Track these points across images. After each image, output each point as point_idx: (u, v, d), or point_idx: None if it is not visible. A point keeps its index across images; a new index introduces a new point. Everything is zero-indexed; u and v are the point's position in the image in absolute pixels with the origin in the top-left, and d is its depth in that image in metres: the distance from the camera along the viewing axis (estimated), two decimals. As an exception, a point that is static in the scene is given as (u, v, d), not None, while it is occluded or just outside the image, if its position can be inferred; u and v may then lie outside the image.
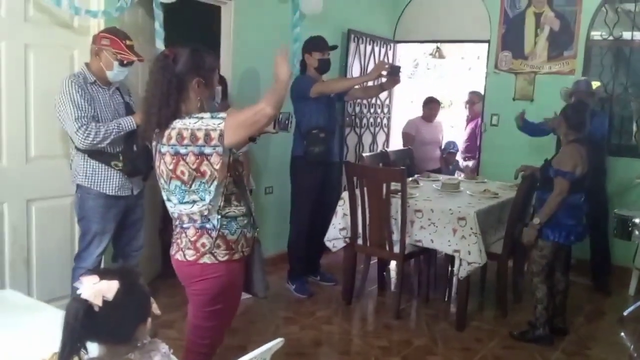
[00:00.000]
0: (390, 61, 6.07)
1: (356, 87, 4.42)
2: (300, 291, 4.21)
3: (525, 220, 4.12)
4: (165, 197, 2.13)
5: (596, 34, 5.19)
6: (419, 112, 6.09)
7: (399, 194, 3.75)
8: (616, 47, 5.21)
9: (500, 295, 4.06)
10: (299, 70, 4.19)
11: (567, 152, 3.47)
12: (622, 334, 3.94)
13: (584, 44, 5.19)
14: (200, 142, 1.97)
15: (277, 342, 1.71)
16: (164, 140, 2.02)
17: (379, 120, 6.11)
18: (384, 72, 4.00)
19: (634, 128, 5.43)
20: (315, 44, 4.14)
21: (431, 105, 5.95)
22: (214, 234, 2.06)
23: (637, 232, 3.82)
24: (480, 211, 3.71)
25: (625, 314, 4.08)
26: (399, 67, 4.17)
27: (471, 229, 3.60)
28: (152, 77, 2.09)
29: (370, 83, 4.52)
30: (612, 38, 5.13)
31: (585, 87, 4.60)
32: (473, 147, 6.11)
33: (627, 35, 5.08)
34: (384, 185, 3.77)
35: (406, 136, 5.83)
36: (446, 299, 4.34)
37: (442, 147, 6.18)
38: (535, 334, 3.56)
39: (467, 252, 3.60)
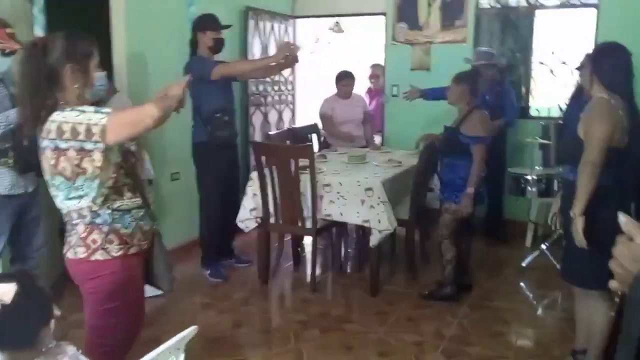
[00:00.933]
0: (291, 38, 6.06)
1: None
2: (216, 276, 4.17)
3: (430, 185, 4.31)
4: (52, 194, 2.02)
5: (484, 2, 5.43)
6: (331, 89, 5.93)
7: (308, 170, 3.79)
8: (503, 14, 5.48)
9: (410, 259, 4.23)
10: (191, 50, 4.06)
11: (476, 119, 3.62)
12: (522, 284, 4.24)
13: (474, 13, 5.41)
14: (81, 137, 1.85)
15: (190, 331, 1.68)
16: (43, 134, 1.90)
17: (283, 97, 6.10)
18: (287, 53, 3.97)
19: (523, 90, 5.78)
20: (208, 23, 4.02)
21: (345, 81, 5.29)
22: (105, 229, 1.97)
23: (530, 188, 4.09)
24: (387, 180, 3.82)
25: (523, 264, 4.39)
26: (298, 47, 4.16)
27: (379, 197, 3.71)
28: (20, 68, 1.96)
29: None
30: (499, 6, 5.39)
31: (482, 57, 4.83)
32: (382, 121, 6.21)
33: (513, 2, 5.35)
34: (293, 162, 3.80)
35: (323, 117, 5.26)
36: (359, 268, 4.46)
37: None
38: (443, 292, 3.77)
39: (377, 221, 3.71)
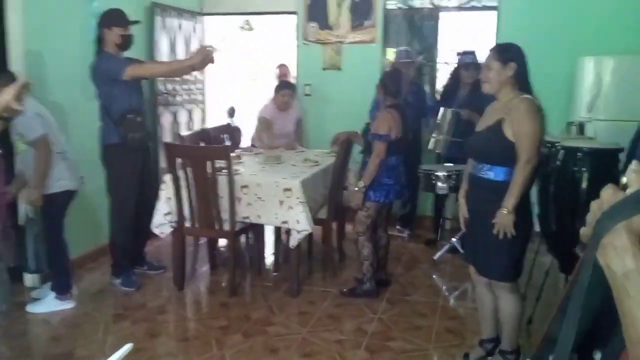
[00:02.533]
0: (199, 36, 5.89)
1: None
2: (127, 284, 3.97)
3: (345, 184, 4.35)
4: None
5: (391, 3, 5.57)
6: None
7: (224, 171, 3.70)
8: (409, 15, 5.65)
9: (328, 257, 4.26)
10: (96, 47, 3.84)
11: (382, 117, 3.69)
12: (435, 277, 4.39)
13: (382, 13, 5.53)
14: None
15: (126, 349, 1.58)
16: None
17: (193, 96, 5.92)
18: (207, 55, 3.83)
19: (427, 89, 5.99)
20: (115, 18, 3.81)
21: (283, 91, 4.89)
22: None
23: (439, 184, 4.23)
24: (305, 180, 3.81)
25: (435, 258, 4.55)
26: (214, 49, 4.01)
27: (297, 198, 3.69)
28: None
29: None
30: (405, 7, 5.54)
31: (404, 56, 4.95)
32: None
33: (418, 3, 5.52)
34: (209, 164, 3.69)
35: (263, 122, 4.93)
36: (278, 269, 4.42)
37: None
38: (363, 288, 3.82)
39: (295, 222, 3.69)
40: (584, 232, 0.87)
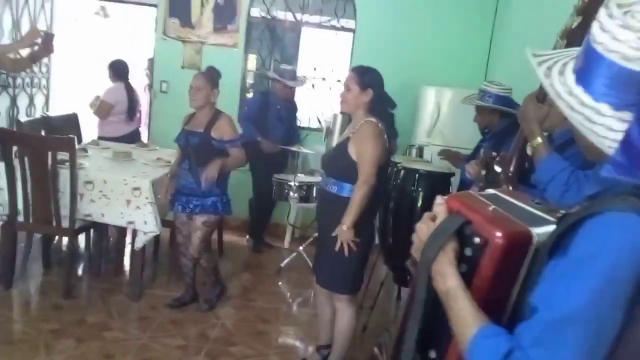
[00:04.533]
0: (48, 15, 5.47)
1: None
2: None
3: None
4: None
5: (255, 12, 5.63)
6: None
7: (67, 164, 3.48)
8: (272, 25, 5.76)
9: (175, 261, 4.17)
10: None
11: (226, 122, 3.54)
12: (280, 283, 4.50)
13: (246, 20, 5.57)
14: None
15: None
16: None
17: (36, 80, 5.48)
18: (39, 40, 3.54)
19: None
20: None
21: None
22: None
23: (292, 194, 4.36)
24: (156, 180, 3.71)
25: (282, 265, 4.67)
26: (52, 35, 3.69)
27: (146, 198, 3.58)
28: None
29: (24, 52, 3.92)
30: (269, 17, 5.64)
31: (289, 78, 4.92)
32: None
33: (281, 15, 5.65)
34: (50, 155, 3.44)
35: (104, 104, 4.89)
36: (119, 271, 4.24)
37: None
38: (216, 293, 3.79)
39: (143, 222, 3.57)
40: (412, 251, 1.11)
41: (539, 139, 1.87)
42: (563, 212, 1.03)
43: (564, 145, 1.90)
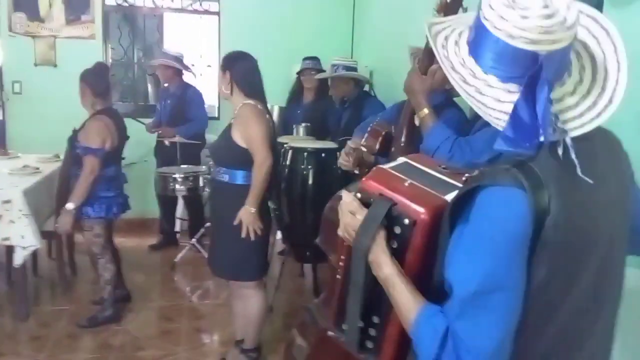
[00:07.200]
0: None
1: None
2: None
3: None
4: None
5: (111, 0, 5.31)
6: None
7: None
8: (131, 13, 5.48)
9: (59, 273, 3.91)
10: None
11: (94, 127, 3.28)
12: (176, 278, 4.39)
13: (101, 9, 5.24)
14: None
15: None
16: None
17: None
18: None
19: (150, 90, 5.93)
20: None
21: None
22: None
23: (178, 187, 4.21)
24: (27, 189, 3.42)
25: (176, 260, 4.54)
26: None
27: (20, 210, 3.30)
28: None
29: None
30: (126, 4, 5.35)
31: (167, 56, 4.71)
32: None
33: (139, 1, 5.37)
34: None
35: None
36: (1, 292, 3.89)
37: None
38: (105, 315, 3.48)
39: (20, 237, 3.29)
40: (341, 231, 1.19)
41: (426, 110, 2.00)
42: (467, 175, 1.13)
43: (436, 109, 2.04)
